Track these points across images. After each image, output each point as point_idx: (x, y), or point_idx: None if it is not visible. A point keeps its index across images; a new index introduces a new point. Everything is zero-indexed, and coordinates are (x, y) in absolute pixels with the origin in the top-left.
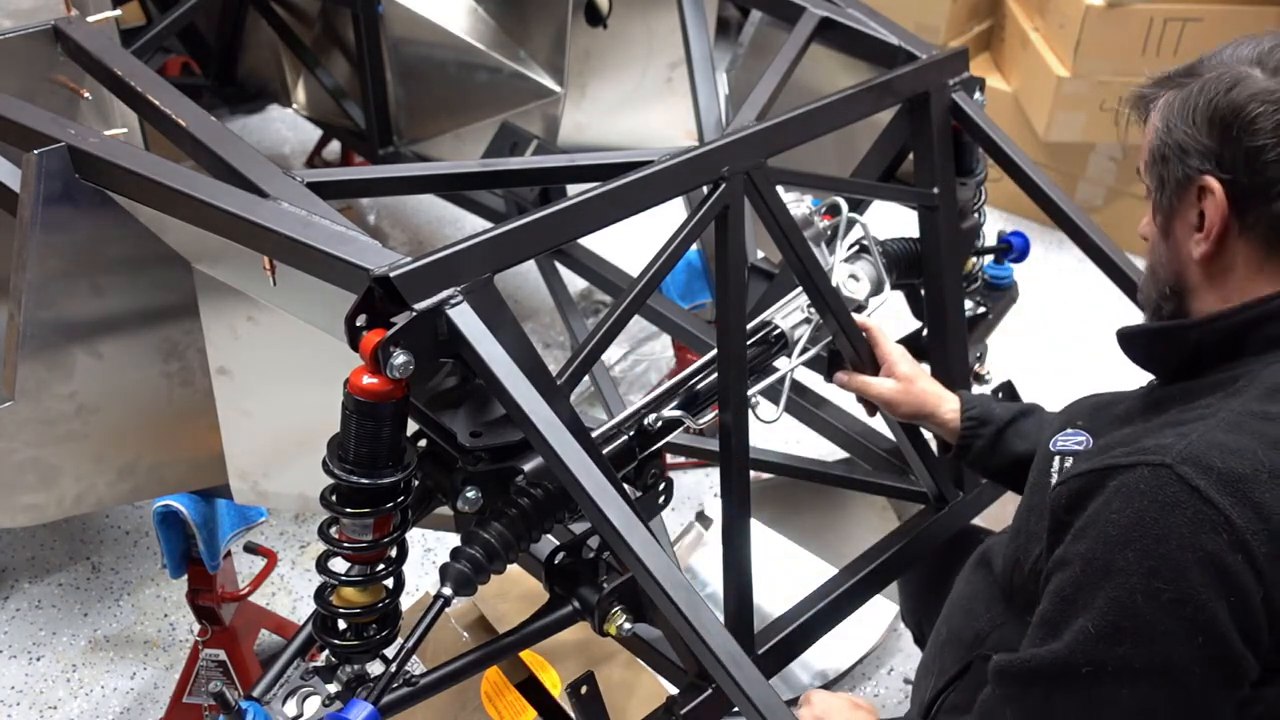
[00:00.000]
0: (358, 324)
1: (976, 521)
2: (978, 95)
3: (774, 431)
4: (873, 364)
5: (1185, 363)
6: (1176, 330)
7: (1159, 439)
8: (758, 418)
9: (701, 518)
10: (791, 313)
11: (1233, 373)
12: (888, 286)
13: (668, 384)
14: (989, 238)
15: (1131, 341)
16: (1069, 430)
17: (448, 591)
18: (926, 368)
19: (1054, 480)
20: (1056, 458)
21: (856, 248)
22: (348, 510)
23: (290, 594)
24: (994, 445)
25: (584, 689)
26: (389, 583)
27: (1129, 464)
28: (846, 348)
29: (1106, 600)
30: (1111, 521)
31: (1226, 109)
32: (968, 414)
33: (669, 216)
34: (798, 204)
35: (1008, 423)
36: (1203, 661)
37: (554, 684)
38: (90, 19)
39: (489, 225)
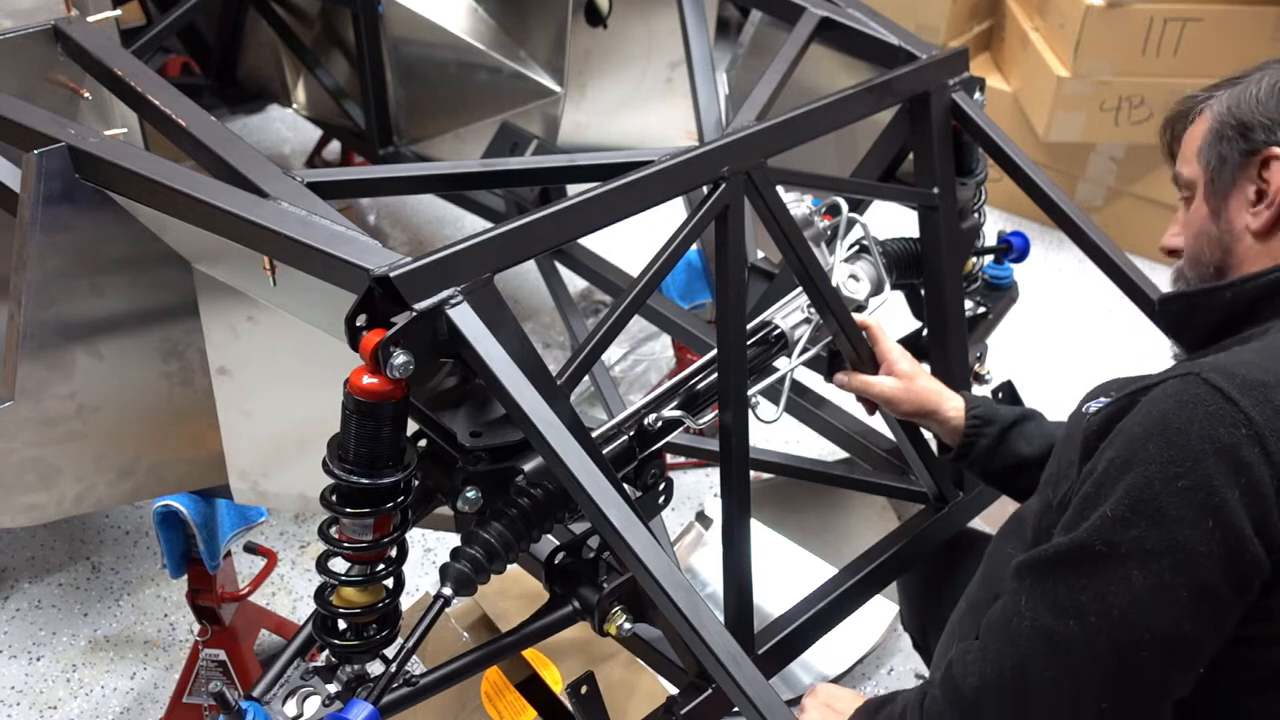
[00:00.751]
0: (358, 324)
1: (976, 522)
2: (978, 95)
3: (774, 431)
4: (873, 363)
5: (1216, 326)
6: (1213, 291)
7: (1189, 365)
8: (758, 418)
9: (701, 518)
10: (791, 313)
11: (1260, 329)
12: (888, 286)
13: (668, 384)
14: (989, 238)
15: (1168, 305)
16: (1101, 398)
17: (448, 591)
18: (926, 367)
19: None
20: (1087, 418)
21: (856, 248)
22: (348, 510)
23: (290, 594)
24: (997, 445)
25: (584, 689)
26: (389, 583)
27: (1158, 380)
28: (846, 348)
29: (1125, 488)
30: (1138, 423)
31: None
32: (972, 412)
33: (669, 216)
34: (798, 204)
35: (1011, 424)
36: (1214, 547)
37: (555, 681)
38: (90, 19)
39: (489, 225)
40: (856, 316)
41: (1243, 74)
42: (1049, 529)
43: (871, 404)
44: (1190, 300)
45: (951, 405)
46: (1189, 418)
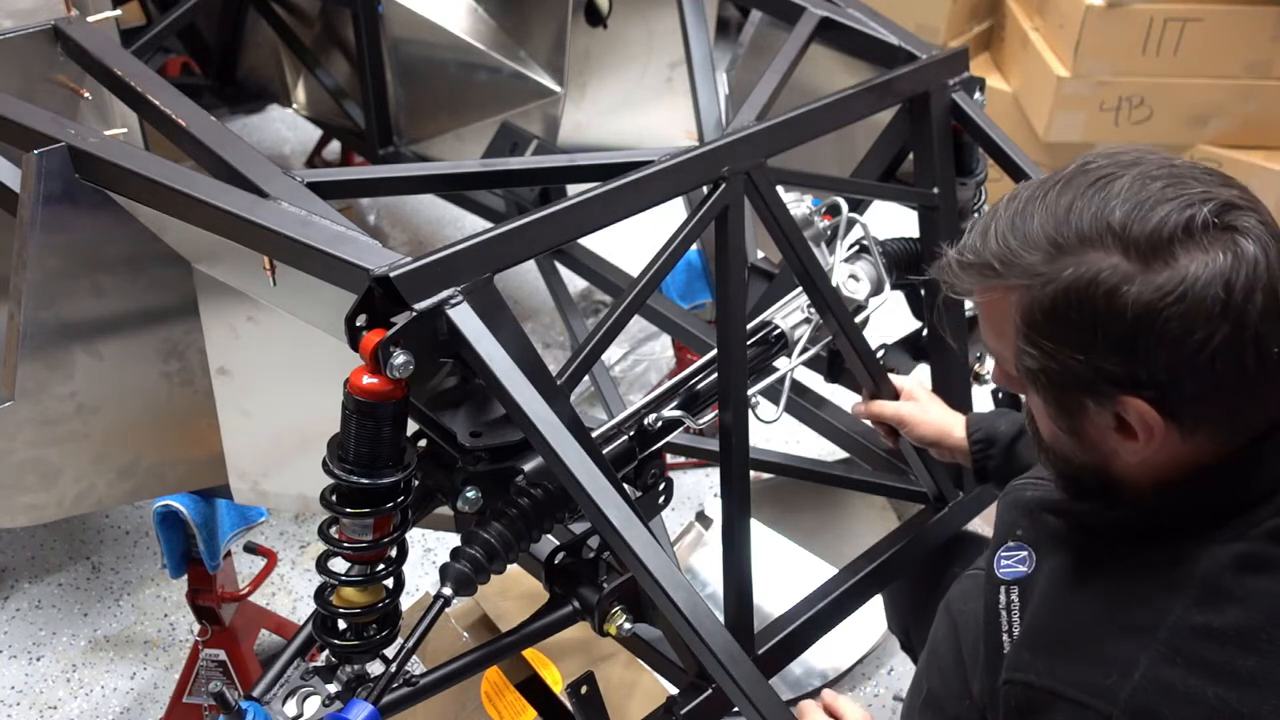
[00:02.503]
0: (358, 324)
1: (976, 522)
2: (978, 95)
3: (774, 431)
4: (874, 363)
5: (1114, 539)
6: (1096, 515)
7: (1105, 667)
8: (758, 418)
9: (701, 518)
10: (791, 313)
11: (1172, 552)
12: (888, 286)
13: (668, 384)
14: None
15: (1059, 517)
16: (1010, 544)
17: (448, 591)
18: (939, 401)
19: (1003, 621)
20: (1003, 588)
21: (856, 248)
22: (348, 510)
23: (290, 594)
24: (1007, 463)
25: (584, 689)
26: (389, 583)
27: (1074, 699)
28: (846, 348)
29: None
30: None
31: (1125, 323)
32: (973, 437)
33: (669, 216)
34: (798, 204)
35: (1014, 438)
36: None
37: (555, 681)
38: (90, 19)
39: (489, 225)
40: (895, 379)
41: (1018, 239)
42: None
43: (893, 433)
44: (1080, 515)
45: (961, 429)
46: None
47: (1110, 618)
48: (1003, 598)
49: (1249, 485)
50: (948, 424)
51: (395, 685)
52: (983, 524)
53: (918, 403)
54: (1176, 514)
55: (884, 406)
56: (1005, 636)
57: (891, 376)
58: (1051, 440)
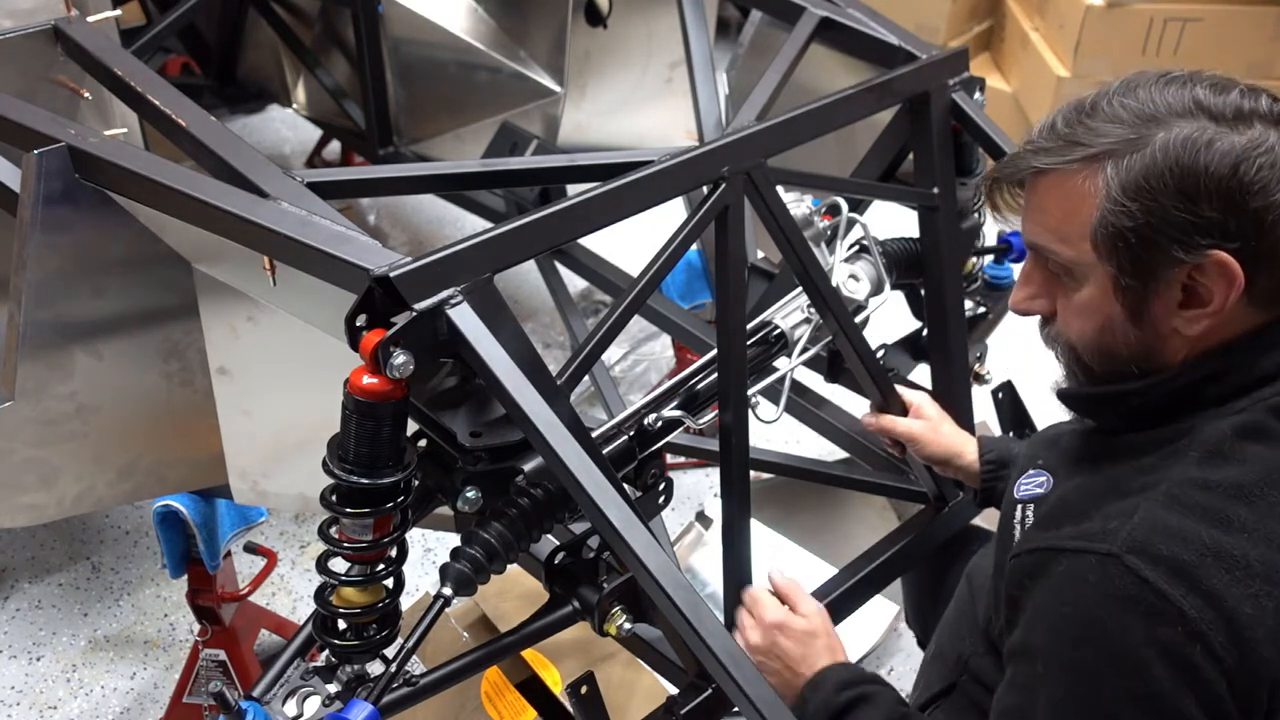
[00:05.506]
0: (358, 324)
1: (977, 521)
2: (978, 95)
3: (774, 431)
4: (874, 362)
5: (1128, 419)
6: (1116, 396)
7: (1105, 520)
8: (758, 418)
9: (701, 518)
10: (791, 313)
11: (1178, 427)
12: (888, 286)
13: (668, 384)
14: (989, 238)
15: (1071, 403)
16: (1031, 471)
17: (448, 591)
18: (949, 420)
19: (1016, 535)
20: (1019, 506)
21: (856, 248)
22: (348, 510)
23: (290, 594)
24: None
25: (584, 689)
26: (389, 583)
27: (1075, 549)
28: (846, 348)
29: (1074, 701)
30: (1064, 615)
31: (1217, 174)
32: (985, 458)
33: (669, 216)
34: (798, 204)
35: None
36: None
37: (555, 682)
38: (90, 19)
39: (489, 225)
40: (904, 392)
41: (1102, 121)
42: (997, 639)
43: (901, 446)
44: (1095, 400)
45: (971, 450)
46: (1124, 621)
47: (1115, 487)
48: (1018, 514)
49: (1259, 362)
50: (959, 444)
51: (395, 685)
52: (984, 522)
53: (929, 422)
54: (1193, 384)
55: (895, 423)
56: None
57: (900, 390)
58: (1099, 334)
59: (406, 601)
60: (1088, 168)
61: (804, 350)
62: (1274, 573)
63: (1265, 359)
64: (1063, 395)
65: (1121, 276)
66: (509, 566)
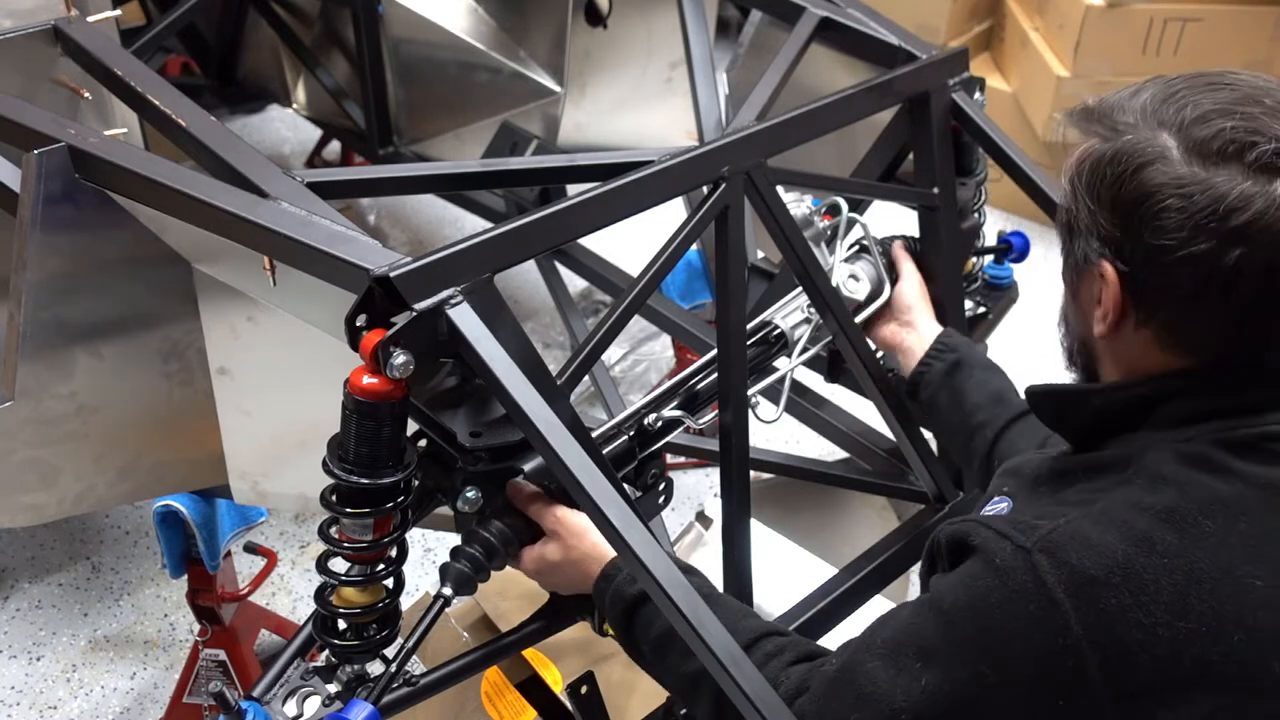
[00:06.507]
0: (358, 324)
1: None
2: (978, 95)
3: (774, 431)
4: (874, 363)
5: (1089, 429)
6: (1080, 394)
7: (1039, 518)
8: (758, 418)
9: (701, 518)
10: (791, 313)
11: (1129, 450)
12: (888, 286)
13: (668, 384)
14: (989, 238)
15: (1039, 401)
16: (995, 498)
17: (448, 591)
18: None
19: None
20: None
21: (856, 248)
22: (348, 510)
23: (290, 594)
24: (947, 376)
25: (584, 689)
26: (389, 583)
27: (999, 531)
28: (846, 348)
29: (943, 672)
30: (969, 587)
31: (1133, 194)
32: (941, 334)
33: (669, 216)
34: (798, 204)
35: (967, 363)
36: None
37: (555, 681)
38: (90, 19)
39: (489, 225)
40: (893, 248)
41: (1121, 108)
42: None
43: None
44: (1059, 400)
45: (933, 323)
46: (1009, 613)
47: (1061, 505)
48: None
49: (1215, 396)
50: (926, 308)
51: (395, 685)
52: None
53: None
54: (1150, 395)
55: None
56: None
57: (900, 260)
58: (1065, 306)
59: (406, 601)
60: (1071, 159)
61: (804, 350)
62: (1180, 604)
63: (1223, 396)
64: (1029, 391)
65: (1065, 258)
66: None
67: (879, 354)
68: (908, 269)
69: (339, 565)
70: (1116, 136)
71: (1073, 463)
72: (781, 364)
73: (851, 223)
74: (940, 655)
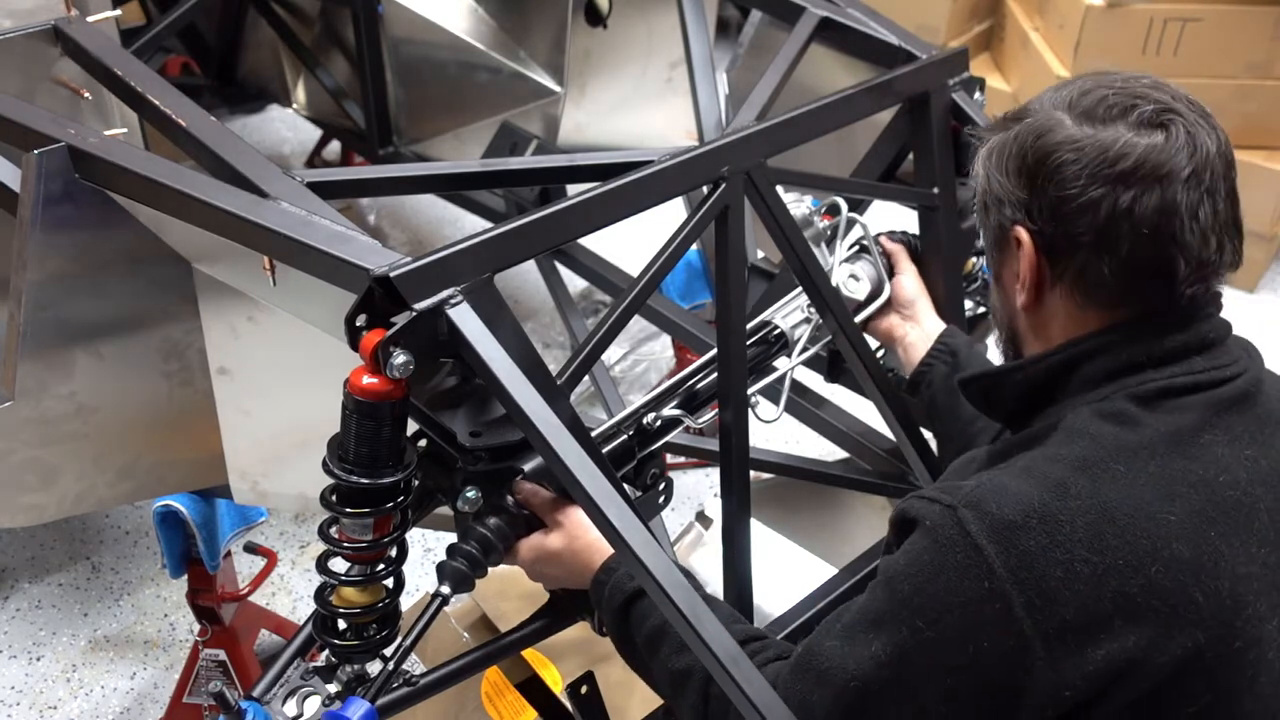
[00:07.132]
0: (358, 324)
1: None
2: (978, 95)
3: (774, 431)
4: (874, 363)
5: (1018, 406)
6: (1004, 373)
7: (965, 481)
8: (758, 418)
9: (701, 518)
10: (791, 313)
11: (1054, 419)
12: (888, 286)
13: (668, 384)
14: None
15: (968, 388)
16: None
17: (445, 589)
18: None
19: None
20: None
21: (856, 248)
22: (348, 510)
23: (290, 594)
24: (947, 379)
25: (584, 689)
26: (389, 582)
27: (929, 497)
28: (846, 348)
29: (887, 636)
30: (907, 552)
31: (1034, 157)
32: (943, 335)
33: (669, 216)
34: (798, 204)
35: (965, 371)
36: (955, 697)
37: (555, 681)
38: (90, 19)
39: (489, 225)
40: (885, 242)
41: (1025, 106)
42: None
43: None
44: (984, 383)
45: (935, 319)
46: (939, 565)
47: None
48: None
49: (1126, 349)
50: (927, 303)
51: (395, 685)
52: None
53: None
54: (1065, 362)
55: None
56: None
57: (898, 258)
58: (993, 299)
59: (406, 601)
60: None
61: (804, 350)
62: (1096, 541)
63: (1133, 347)
64: (959, 381)
65: (988, 248)
66: (510, 567)
67: (879, 353)
68: (905, 263)
69: (339, 565)
70: (1018, 123)
71: (1007, 444)
72: (781, 364)
73: (851, 223)
74: (885, 622)
